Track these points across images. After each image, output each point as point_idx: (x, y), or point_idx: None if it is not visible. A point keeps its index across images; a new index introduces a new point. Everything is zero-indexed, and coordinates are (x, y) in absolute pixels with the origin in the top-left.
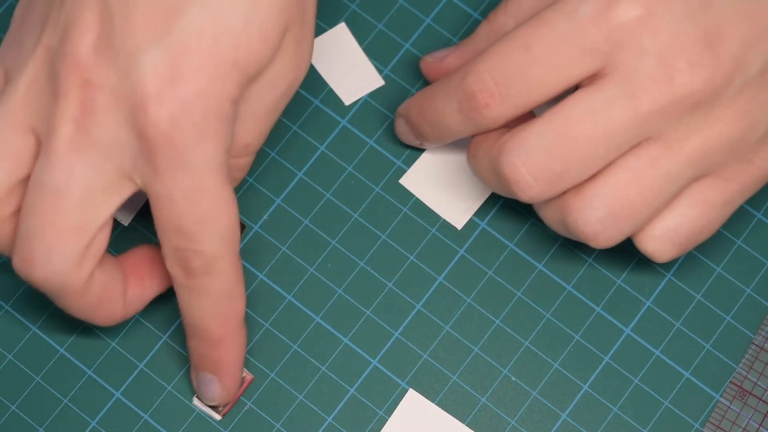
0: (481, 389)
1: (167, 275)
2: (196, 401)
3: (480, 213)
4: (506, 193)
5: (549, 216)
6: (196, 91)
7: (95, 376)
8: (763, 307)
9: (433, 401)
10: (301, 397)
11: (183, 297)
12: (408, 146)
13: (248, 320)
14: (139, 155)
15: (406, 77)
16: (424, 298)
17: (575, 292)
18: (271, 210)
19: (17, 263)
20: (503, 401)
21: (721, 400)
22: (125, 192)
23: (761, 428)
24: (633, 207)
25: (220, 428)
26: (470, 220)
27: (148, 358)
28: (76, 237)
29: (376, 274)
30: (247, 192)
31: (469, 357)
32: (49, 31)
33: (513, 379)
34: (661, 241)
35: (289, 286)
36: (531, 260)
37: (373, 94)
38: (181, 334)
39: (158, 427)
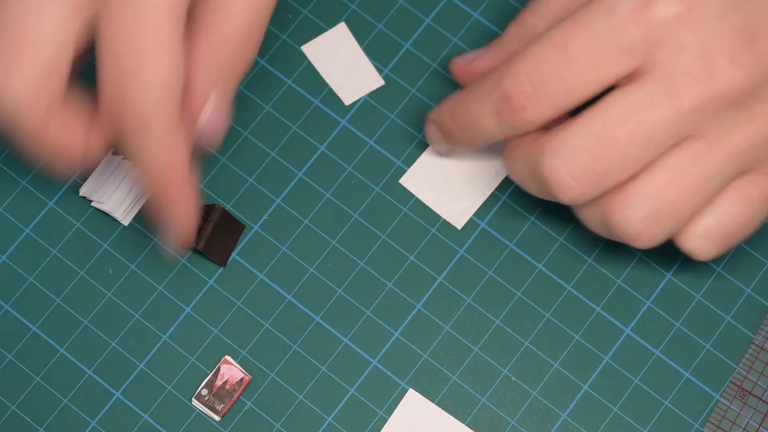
0: (481, 389)
1: None
2: (195, 401)
3: (480, 213)
4: (546, 195)
5: (590, 217)
6: None
7: (95, 376)
8: (763, 307)
9: (433, 401)
10: (301, 397)
11: (125, 149)
12: (408, 146)
13: (248, 320)
14: None
15: (406, 77)
16: (424, 298)
17: (575, 292)
18: (271, 210)
19: None
20: (503, 401)
21: (721, 400)
22: (78, 18)
23: (761, 428)
24: (675, 206)
25: (220, 428)
26: (470, 220)
27: (148, 358)
28: (32, 61)
29: (376, 274)
30: (247, 192)
31: (469, 357)
32: None
33: (513, 379)
34: (702, 239)
35: (289, 286)
36: (531, 260)
37: (373, 94)
38: (181, 334)
39: (158, 427)
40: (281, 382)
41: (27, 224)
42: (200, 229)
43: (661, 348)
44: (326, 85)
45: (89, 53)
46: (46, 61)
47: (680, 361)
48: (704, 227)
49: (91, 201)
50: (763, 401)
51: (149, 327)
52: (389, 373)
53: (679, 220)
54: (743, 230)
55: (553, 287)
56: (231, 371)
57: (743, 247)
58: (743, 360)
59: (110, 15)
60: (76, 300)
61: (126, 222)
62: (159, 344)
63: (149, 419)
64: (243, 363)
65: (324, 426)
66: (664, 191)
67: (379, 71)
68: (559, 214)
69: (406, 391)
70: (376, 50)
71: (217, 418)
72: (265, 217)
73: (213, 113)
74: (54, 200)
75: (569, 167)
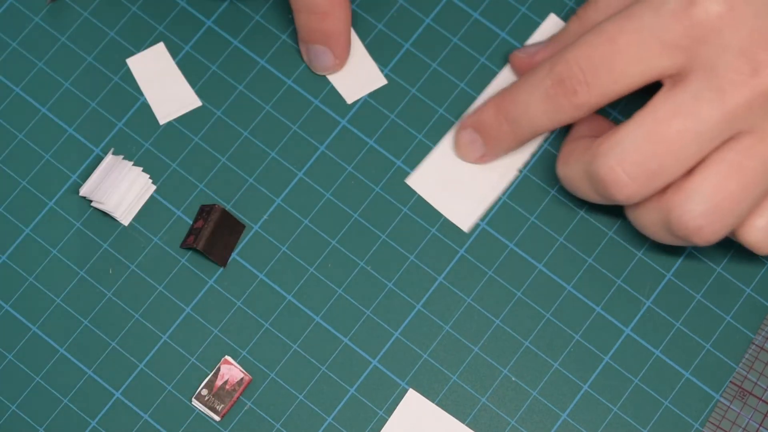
0: (481, 389)
1: None
2: (195, 401)
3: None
4: (602, 196)
5: (648, 219)
6: None
7: (95, 376)
8: (763, 307)
9: (433, 401)
10: (301, 397)
11: None
12: (408, 146)
13: (248, 320)
14: None
15: (406, 77)
16: (424, 298)
17: (575, 292)
18: (271, 210)
19: None
20: (503, 401)
21: (721, 400)
22: None
23: (761, 428)
24: (734, 198)
25: (220, 428)
26: None
27: (148, 358)
28: None
29: (376, 274)
30: (247, 192)
31: (469, 357)
32: None
33: (513, 379)
34: (764, 231)
35: (289, 286)
36: (531, 260)
37: (373, 94)
38: (181, 334)
39: (158, 427)
40: (281, 382)
41: (27, 224)
42: (200, 229)
43: (661, 348)
44: (326, 85)
45: None
46: None
47: (680, 361)
48: (766, 220)
49: (91, 201)
50: (763, 401)
51: (149, 327)
52: (389, 373)
53: (740, 213)
54: None
55: (553, 287)
56: (231, 371)
57: (743, 247)
58: (743, 360)
59: None
60: (76, 300)
61: (126, 222)
62: (159, 344)
63: (149, 419)
64: (243, 363)
65: (324, 426)
66: (723, 184)
67: (380, 71)
68: (559, 214)
69: (406, 391)
70: (376, 50)
71: (217, 418)
72: (265, 217)
73: None
74: (54, 200)
75: (624, 165)
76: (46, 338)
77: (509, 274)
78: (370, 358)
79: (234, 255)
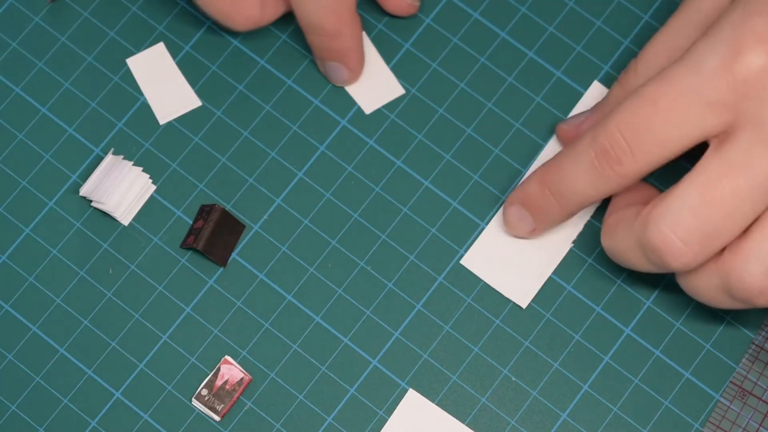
0: (481, 389)
1: None
2: (195, 401)
3: (480, 213)
4: (656, 265)
5: (706, 285)
6: None
7: (95, 376)
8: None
9: (433, 401)
10: (301, 397)
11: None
12: (408, 146)
13: (248, 320)
14: None
15: (407, 78)
16: (424, 298)
17: (575, 292)
18: (271, 210)
19: None
20: (503, 401)
21: (721, 400)
22: None
23: (761, 428)
24: None
25: (220, 428)
26: (471, 221)
27: (148, 358)
28: None
29: (376, 274)
30: (247, 192)
31: (469, 357)
32: None
33: (513, 379)
34: None
35: (289, 286)
36: None
37: None
38: (181, 334)
39: (158, 427)
40: (281, 382)
41: (27, 224)
42: (200, 229)
43: (661, 348)
44: (326, 84)
45: None
46: None
47: (680, 361)
48: None
49: (91, 201)
50: (763, 401)
51: (149, 327)
52: (389, 373)
53: None
54: None
55: (553, 287)
56: (231, 371)
57: None
58: (743, 360)
59: None
60: (76, 300)
61: (126, 222)
62: (159, 344)
63: (149, 419)
64: (243, 363)
65: (324, 426)
66: None
67: (397, 81)
68: None
69: (406, 391)
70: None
71: (217, 418)
72: (265, 217)
73: None
74: (54, 200)
75: (678, 231)
76: (46, 338)
77: None
78: (370, 358)
79: (234, 255)
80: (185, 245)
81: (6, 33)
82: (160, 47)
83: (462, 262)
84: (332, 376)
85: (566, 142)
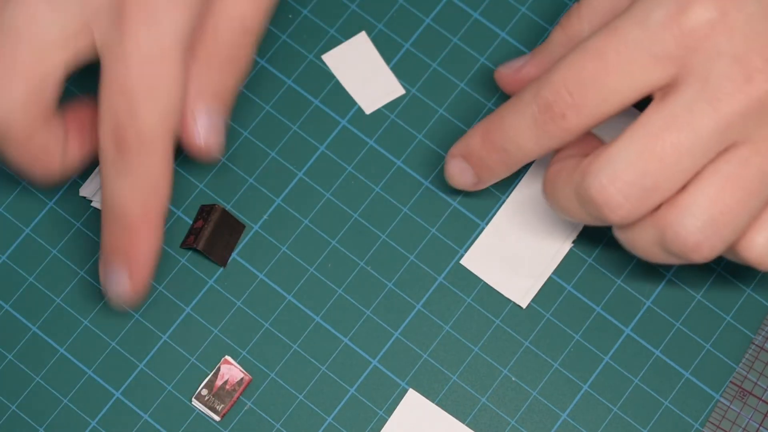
0: (481, 389)
1: None
2: (195, 401)
3: (480, 213)
4: (595, 218)
5: (642, 239)
6: None
7: (95, 376)
8: (763, 307)
9: (433, 401)
10: (301, 397)
11: (109, 174)
12: (408, 146)
13: (248, 320)
14: (106, 9)
15: (407, 77)
16: (424, 298)
17: (575, 292)
18: (271, 210)
19: None
20: (503, 401)
21: (721, 400)
22: (80, 45)
23: (761, 428)
24: (732, 211)
25: (220, 428)
26: (471, 221)
27: (148, 358)
28: (25, 80)
29: (376, 274)
30: (247, 192)
31: (469, 357)
32: None
33: (513, 379)
34: (765, 246)
35: (289, 286)
36: None
37: None
38: (181, 334)
39: (158, 427)
40: (281, 382)
41: (27, 224)
42: (200, 229)
43: (661, 348)
44: (326, 85)
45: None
46: (41, 78)
47: (680, 361)
48: (766, 234)
49: (91, 201)
50: (763, 401)
51: (149, 327)
52: (389, 373)
53: (738, 226)
54: None
55: (553, 287)
56: (231, 371)
57: None
58: (743, 360)
59: (125, 37)
60: (76, 300)
61: None
62: (159, 344)
63: (149, 419)
64: (243, 363)
65: (324, 426)
66: (719, 197)
67: (397, 81)
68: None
69: (406, 391)
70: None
71: (217, 418)
72: (265, 217)
73: (208, 129)
74: (54, 200)
75: (617, 184)
76: (46, 338)
77: None
78: (370, 358)
79: (234, 255)
80: (185, 245)
81: None
82: None
83: (462, 262)
84: (332, 376)
85: (506, 89)
